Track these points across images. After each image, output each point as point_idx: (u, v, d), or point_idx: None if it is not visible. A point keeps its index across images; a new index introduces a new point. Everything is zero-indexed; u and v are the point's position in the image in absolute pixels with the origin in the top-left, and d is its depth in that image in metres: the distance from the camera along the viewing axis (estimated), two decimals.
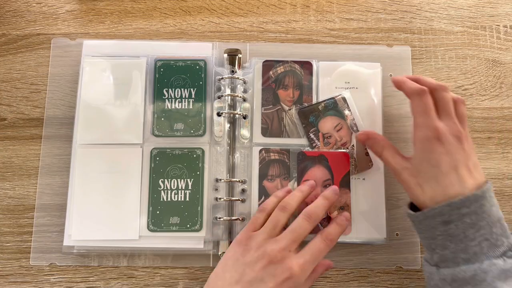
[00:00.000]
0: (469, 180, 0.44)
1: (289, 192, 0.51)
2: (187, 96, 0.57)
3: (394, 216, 0.55)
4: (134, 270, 0.54)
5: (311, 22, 0.62)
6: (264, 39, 0.61)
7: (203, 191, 0.54)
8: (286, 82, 0.57)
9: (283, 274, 0.44)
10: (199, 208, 0.53)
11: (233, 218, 0.54)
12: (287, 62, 0.58)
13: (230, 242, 0.53)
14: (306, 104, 0.56)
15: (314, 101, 0.57)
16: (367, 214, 0.54)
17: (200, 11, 0.62)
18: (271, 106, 0.57)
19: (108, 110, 0.56)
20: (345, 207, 0.53)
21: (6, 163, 0.56)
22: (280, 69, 0.58)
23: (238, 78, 0.57)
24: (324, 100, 0.56)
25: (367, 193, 0.55)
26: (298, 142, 0.56)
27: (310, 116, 0.56)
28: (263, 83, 0.57)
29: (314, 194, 0.52)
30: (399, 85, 0.49)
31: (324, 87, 0.57)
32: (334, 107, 0.56)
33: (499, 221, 0.43)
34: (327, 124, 0.56)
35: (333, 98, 0.56)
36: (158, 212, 0.53)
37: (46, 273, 0.53)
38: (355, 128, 0.56)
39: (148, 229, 0.53)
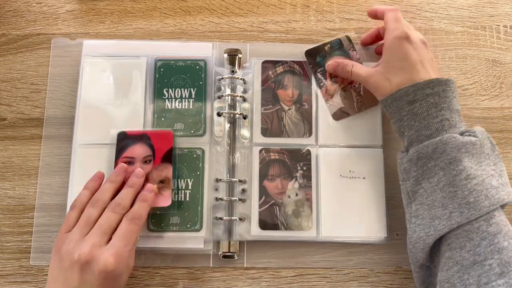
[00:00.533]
0: (433, 73, 0.49)
1: (100, 177, 0.51)
2: (187, 96, 0.57)
3: (394, 216, 0.55)
4: (134, 270, 0.54)
5: (311, 22, 0.62)
6: (264, 39, 0.61)
7: (203, 191, 0.54)
8: (286, 82, 0.57)
9: (101, 272, 0.43)
10: (199, 208, 0.53)
11: (233, 218, 0.54)
12: (286, 62, 0.58)
13: (229, 243, 0.53)
14: (312, 45, 0.59)
15: (314, 100, 0.57)
16: (367, 214, 0.54)
17: (200, 11, 0.62)
18: (271, 106, 0.57)
19: (108, 110, 0.56)
20: (165, 181, 0.53)
21: (6, 163, 0.56)
22: (280, 69, 0.58)
23: (238, 78, 0.57)
24: (330, 41, 0.59)
25: (367, 193, 0.55)
26: (298, 141, 0.56)
27: (317, 56, 0.58)
28: (262, 83, 0.57)
29: (131, 170, 0.52)
30: (373, 13, 0.56)
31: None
32: (340, 47, 0.59)
33: (458, 112, 0.48)
34: (334, 64, 0.57)
35: (338, 38, 0.59)
36: (158, 212, 0.53)
37: (46, 273, 0.53)
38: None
39: (148, 229, 0.53)
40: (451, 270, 0.43)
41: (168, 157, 0.54)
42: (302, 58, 0.58)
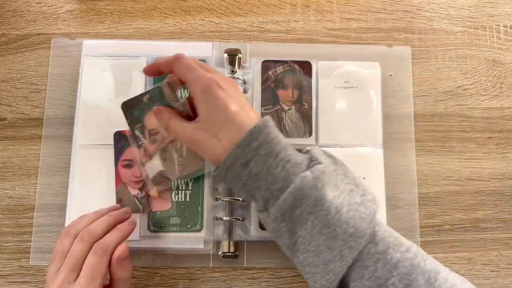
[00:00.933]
0: (254, 115, 0.44)
1: (99, 214, 0.47)
2: (187, 97, 0.56)
3: (394, 216, 0.55)
4: (134, 270, 0.54)
5: (311, 22, 0.62)
6: (264, 39, 0.60)
7: (203, 191, 0.54)
8: (286, 82, 0.57)
9: None
10: (199, 208, 0.53)
11: (233, 218, 0.54)
12: (286, 62, 0.58)
13: (229, 243, 0.53)
14: (131, 96, 0.50)
15: (314, 100, 0.57)
16: None
17: (200, 11, 0.62)
18: (271, 106, 0.57)
19: (108, 110, 0.56)
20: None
21: (6, 163, 0.56)
22: (280, 69, 0.58)
23: (238, 78, 0.57)
24: (149, 90, 0.49)
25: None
26: (298, 142, 0.56)
27: (134, 110, 0.50)
28: (262, 83, 0.57)
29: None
30: (154, 69, 0.48)
31: (324, 87, 0.57)
32: (161, 97, 0.48)
33: (289, 144, 0.43)
34: (153, 119, 0.49)
35: (158, 87, 0.48)
36: (158, 212, 0.53)
37: (46, 273, 0.53)
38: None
39: (149, 230, 0.53)
40: None
41: None
42: (302, 58, 0.58)
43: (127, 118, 0.50)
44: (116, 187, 0.53)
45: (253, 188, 0.43)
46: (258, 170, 0.42)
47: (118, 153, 0.54)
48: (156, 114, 0.48)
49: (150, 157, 0.51)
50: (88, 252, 0.42)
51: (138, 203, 0.53)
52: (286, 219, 0.42)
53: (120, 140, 0.54)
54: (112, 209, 0.48)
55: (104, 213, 0.47)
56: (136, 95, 0.50)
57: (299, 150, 0.45)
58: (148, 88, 0.56)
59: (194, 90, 0.45)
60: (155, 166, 0.51)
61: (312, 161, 0.43)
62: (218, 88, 0.44)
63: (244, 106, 0.44)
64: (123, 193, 0.53)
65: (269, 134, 0.42)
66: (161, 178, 0.52)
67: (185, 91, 0.51)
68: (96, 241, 0.43)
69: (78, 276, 0.42)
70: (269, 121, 0.43)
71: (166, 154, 0.50)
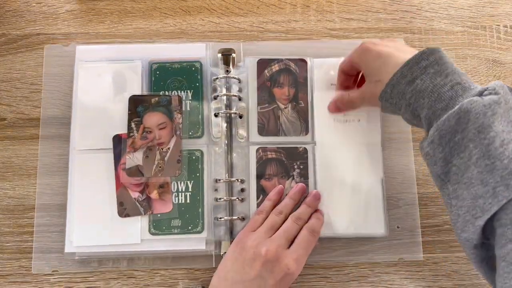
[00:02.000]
0: (414, 52, 0.44)
1: (280, 192, 0.54)
2: (184, 98, 0.56)
3: (394, 216, 0.55)
4: (134, 270, 0.54)
5: (311, 22, 0.61)
6: (264, 39, 0.60)
7: (203, 192, 0.54)
8: (282, 80, 0.57)
9: (281, 271, 0.46)
10: (200, 210, 0.53)
11: (234, 217, 0.54)
12: (281, 60, 0.58)
13: (231, 242, 0.53)
14: (141, 94, 0.56)
15: (310, 98, 0.57)
16: (365, 213, 0.54)
17: (200, 11, 0.62)
18: (267, 104, 0.56)
19: (105, 114, 0.56)
20: (164, 185, 0.54)
21: (6, 163, 0.56)
22: (275, 67, 0.57)
23: (232, 77, 0.57)
24: (160, 95, 0.56)
25: (365, 192, 0.54)
26: (295, 140, 0.56)
27: (139, 105, 0.55)
28: (258, 82, 0.57)
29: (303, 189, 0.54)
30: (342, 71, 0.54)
31: (320, 84, 0.57)
32: (167, 105, 0.56)
33: (465, 74, 0.42)
34: (152, 119, 0.55)
35: (169, 95, 0.56)
36: (159, 215, 0.53)
37: (45, 273, 0.53)
38: (178, 132, 0.55)
39: (150, 233, 0.53)
40: (505, 247, 0.36)
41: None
42: (297, 56, 0.58)
43: (129, 110, 0.55)
44: (116, 190, 0.53)
45: (417, 107, 0.43)
46: (423, 87, 0.42)
47: (117, 157, 0.54)
48: (335, 101, 0.54)
49: (135, 149, 0.54)
50: (299, 231, 0.50)
51: (139, 206, 0.53)
52: (443, 143, 0.40)
53: (119, 144, 0.54)
54: (301, 191, 0.54)
55: (296, 199, 0.53)
56: (146, 94, 0.56)
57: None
58: (146, 92, 0.56)
59: (356, 59, 0.50)
60: (135, 159, 0.54)
61: (486, 89, 0.40)
62: (370, 44, 0.48)
63: (401, 48, 0.46)
64: (124, 197, 0.53)
65: (442, 57, 0.42)
66: (135, 171, 0.54)
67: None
68: (303, 224, 0.50)
69: (289, 245, 0.48)
70: (443, 51, 0.43)
71: (151, 152, 0.54)
